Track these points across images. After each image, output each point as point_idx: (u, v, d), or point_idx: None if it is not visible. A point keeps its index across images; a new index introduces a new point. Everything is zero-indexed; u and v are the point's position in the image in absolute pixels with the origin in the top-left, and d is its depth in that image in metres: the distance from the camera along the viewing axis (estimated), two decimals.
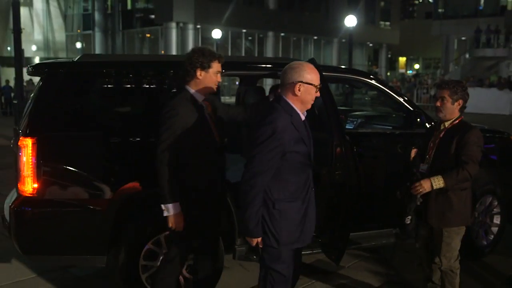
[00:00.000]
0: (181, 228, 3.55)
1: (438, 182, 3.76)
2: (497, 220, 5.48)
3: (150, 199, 3.97)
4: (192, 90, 3.59)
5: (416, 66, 56.07)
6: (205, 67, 3.54)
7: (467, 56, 34.78)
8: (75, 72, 4.07)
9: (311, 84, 3.08)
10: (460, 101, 3.89)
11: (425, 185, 3.79)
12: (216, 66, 3.58)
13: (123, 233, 3.97)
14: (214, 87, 3.63)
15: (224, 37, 32.50)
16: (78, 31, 39.96)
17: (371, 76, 5.20)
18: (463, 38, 38.80)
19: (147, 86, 4.21)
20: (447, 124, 3.94)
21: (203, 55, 3.55)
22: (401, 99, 5.13)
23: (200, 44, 32.66)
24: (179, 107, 3.48)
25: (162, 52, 32.17)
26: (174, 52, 31.23)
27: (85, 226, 3.92)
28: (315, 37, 39.35)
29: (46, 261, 4.41)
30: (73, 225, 3.90)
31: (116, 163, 3.99)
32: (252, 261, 4.41)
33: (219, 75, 3.63)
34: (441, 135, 3.94)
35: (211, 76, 3.58)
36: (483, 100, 23.28)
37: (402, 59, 56.28)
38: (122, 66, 4.28)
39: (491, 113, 22.50)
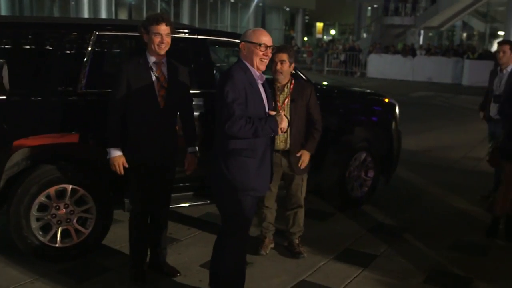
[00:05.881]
0: (119, 171, 3.88)
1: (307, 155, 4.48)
2: (370, 174, 6.11)
3: (42, 154, 4.24)
4: (147, 52, 3.91)
5: (332, 31, 57.26)
6: (147, 31, 3.83)
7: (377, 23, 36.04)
8: None
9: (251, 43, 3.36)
10: (293, 64, 4.41)
11: (305, 158, 4.46)
12: (154, 29, 3.80)
13: (16, 186, 4.21)
14: (157, 49, 3.82)
15: None
16: None
17: None
18: (375, 6, 40.06)
19: (38, 46, 4.42)
20: (287, 84, 4.41)
21: (146, 20, 3.91)
22: None
23: (113, 7, 31.78)
24: (124, 65, 3.89)
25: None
26: (86, 14, 30.22)
27: None
28: (232, 0, 39.28)
29: None
30: None
31: (6, 119, 4.14)
32: None
33: (159, 37, 3.79)
34: (291, 93, 4.40)
35: (151, 38, 3.82)
36: (388, 67, 24.50)
37: (320, 25, 57.21)
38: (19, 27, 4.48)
39: (395, 79, 23.67)
